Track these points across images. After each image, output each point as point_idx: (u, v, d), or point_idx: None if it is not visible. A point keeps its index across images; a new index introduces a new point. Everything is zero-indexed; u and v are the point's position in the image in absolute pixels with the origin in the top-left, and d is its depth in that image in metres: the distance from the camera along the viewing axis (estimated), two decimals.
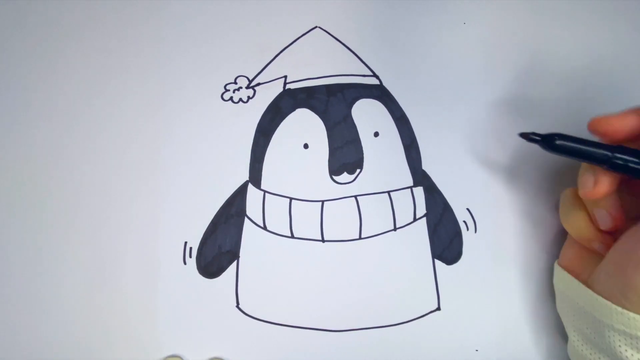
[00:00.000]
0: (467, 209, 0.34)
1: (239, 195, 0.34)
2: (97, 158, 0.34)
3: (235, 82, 0.34)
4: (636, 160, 0.24)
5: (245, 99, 0.34)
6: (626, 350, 0.25)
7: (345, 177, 0.34)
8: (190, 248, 0.33)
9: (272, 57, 0.35)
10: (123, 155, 0.34)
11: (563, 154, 0.26)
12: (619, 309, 0.25)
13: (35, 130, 0.34)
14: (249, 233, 0.33)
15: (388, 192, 0.34)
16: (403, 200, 0.34)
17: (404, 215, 0.33)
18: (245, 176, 0.34)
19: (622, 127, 0.24)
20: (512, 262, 0.33)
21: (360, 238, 0.33)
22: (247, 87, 0.34)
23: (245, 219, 0.33)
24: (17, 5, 0.35)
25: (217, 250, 0.33)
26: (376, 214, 0.33)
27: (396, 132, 0.34)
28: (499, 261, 0.33)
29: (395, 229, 0.33)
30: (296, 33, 0.35)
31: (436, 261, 0.33)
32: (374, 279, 0.33)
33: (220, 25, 0.35)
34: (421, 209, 0.34)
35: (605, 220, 0.27)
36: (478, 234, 0.34)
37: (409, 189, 0.34)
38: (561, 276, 0.30)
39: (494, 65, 0.35)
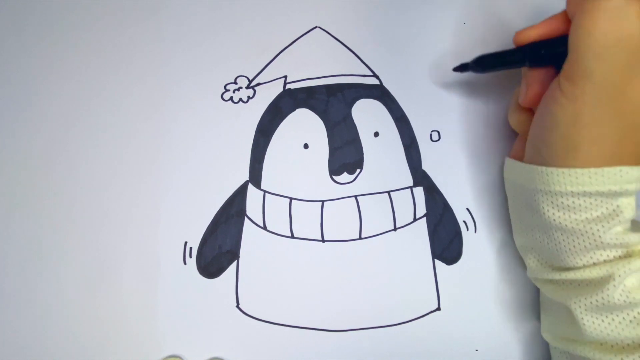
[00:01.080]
0: (467, 209, 0.34)
1: (239, 195, 0.34)
2: (96, 158, 0.34)
3: (235, 82, 0.34)
4: (547, 49, 0.26)
5: (245, 99, 0.34)
6: (548, 210, 0.26)
7: (345, 177, 0.34)
8: (191, 248, 0.33)
9: (272, 57, 0.35)
10: (123, 155, 0.34)
11: (493, 68, 0.30)
12: (538, 167, 0.26)
13: (35, 130, 0.34)
14: (249, 233, 0.33)
15: (388, 192, 0.34)
16: (403, 200, 0.34)
17: (404, 215, 0.33)
18: (245, 176, 0.34)
19: (539, 33, 0.27)
20: (512, 262, 0.33)
21: (360, 238, 0.33)
22: (247, 87, 0.34)
23: (245, 219, 0.33)
24: (17, 5, 0.35)
25: (217, 250, 0.33)
26: (376, 214, 0.33)
27: (396, 132, 0.34)
28: (499, 261, 0.33)
29: (395, 229, 0.33)
30: (296, 33, 0.35)
31: (436, 261, 0.33)
32: (374, 279, 0.33)
33: (220, 25, 0.35)
34: (421, 209, 0.34)
35: (523, 92, 0.29)
36: (478, 234, 0.34)
37: (409, 189, 0.34)
38: (507, 163, 0.31)
39: None
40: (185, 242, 0.33)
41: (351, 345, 0.33)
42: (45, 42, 0.35)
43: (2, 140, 0.34)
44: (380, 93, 0.35)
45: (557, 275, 0.28)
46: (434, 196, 0.34)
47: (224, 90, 0.34)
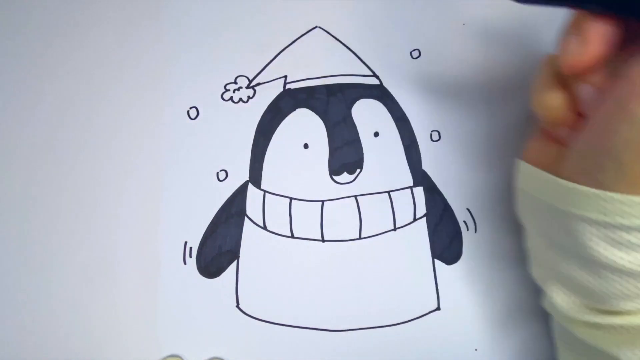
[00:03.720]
0: (467, 209, 0.34)
1: (239, 195, 0.34)
2: (96, 158, 0.34)
3: (235, 82, 0.34)
4: None
5: (245, 99, 0.34)
6: (600, 245, 0.20)
7: (345, 177, 0.34)
8: (190, 248, 0.33)
9: (272, 57, 0.35)
10: (123, 154, 0.34)
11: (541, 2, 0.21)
12: (593, 190, 0.20)
13: (35, 129, 0.34)
14: (249, 233, 0.33)
15: (388, 192, 0.34)
16: (403, 200, 0.34)
17: (404, 215, 0.33)
18: (245, 176, 0.34)
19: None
20: (512, 262, 0.33)
21: (360, 238, 0.33)
22: (247, 87, 0.34)
23: (245, 218, 0.33)
24: (17, 5, 0.35)
25: (217, 250, 0.33)
26: (376, 214, 0.33)
27: (396, 132, 0.34)
28: (499, 261, 0.33)
29: (395, 229, 0.33)
30: (296, 33, 0.35)
31: (436, 261, 0.33)
32: (374, 279, 0.33)
33: (220, 25, 0.35)
34: (421, 209, 0.34)
35: (572, 51, 0.21)
36: (478, 234, 0.34)
37: (409, 189, 0.34)
38: (526, 172, 0.24)
39: (493, 66, 0.35)
40: (185, 242, 0.33)
41: (351, 345, 0.33)
42: (43, 42, 0.35)
43: (1, 139, 0.34)
44: (380, 93, 0.35)
45: (601, 319, 0.22)
46: (434, 196, 0.34)
47: (224, 90, 0.34)
